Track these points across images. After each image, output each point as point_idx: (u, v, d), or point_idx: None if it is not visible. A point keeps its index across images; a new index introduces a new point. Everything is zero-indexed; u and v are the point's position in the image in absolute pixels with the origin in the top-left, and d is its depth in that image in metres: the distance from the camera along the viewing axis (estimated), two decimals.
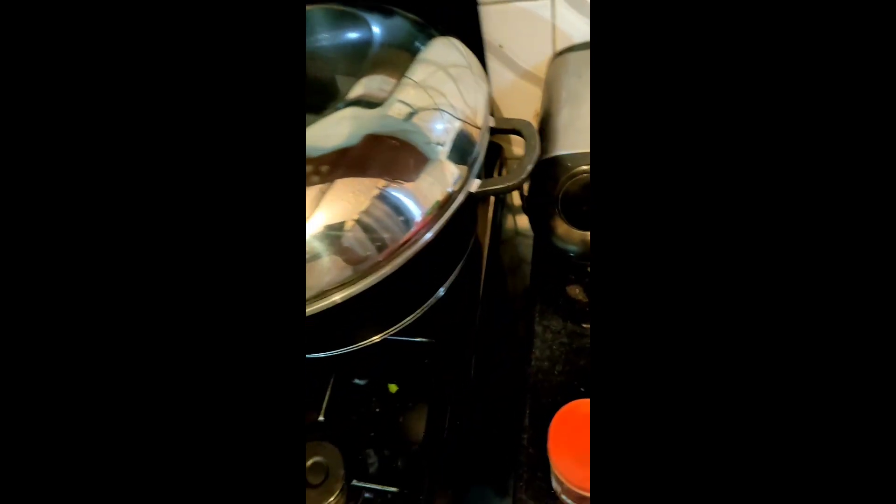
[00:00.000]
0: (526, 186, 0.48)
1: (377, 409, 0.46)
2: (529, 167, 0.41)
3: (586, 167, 0.46)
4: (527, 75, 0.58)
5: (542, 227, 0.51)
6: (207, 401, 0.19)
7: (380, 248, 0.35)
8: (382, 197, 0.35)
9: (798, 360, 0.18)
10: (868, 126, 0.18)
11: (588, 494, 0.33)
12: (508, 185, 0.41)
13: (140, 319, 0.19)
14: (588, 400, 0.37)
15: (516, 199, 0.58)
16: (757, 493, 0.18)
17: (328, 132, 0.36)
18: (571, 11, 0.52)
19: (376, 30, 0.44)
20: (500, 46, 0.56)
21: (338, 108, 0.37)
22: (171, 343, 0.19)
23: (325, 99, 0.38)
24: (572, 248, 0.50)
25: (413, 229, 0.36)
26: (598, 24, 0.21)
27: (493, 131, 0.44)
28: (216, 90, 0.20)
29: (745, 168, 0.19)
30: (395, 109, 0.38)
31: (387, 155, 0.37)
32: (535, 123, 0.46)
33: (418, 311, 0.45)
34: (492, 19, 0.54)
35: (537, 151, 0.42)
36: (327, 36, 0.45)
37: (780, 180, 0.18)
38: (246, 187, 0.20)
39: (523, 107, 0.60)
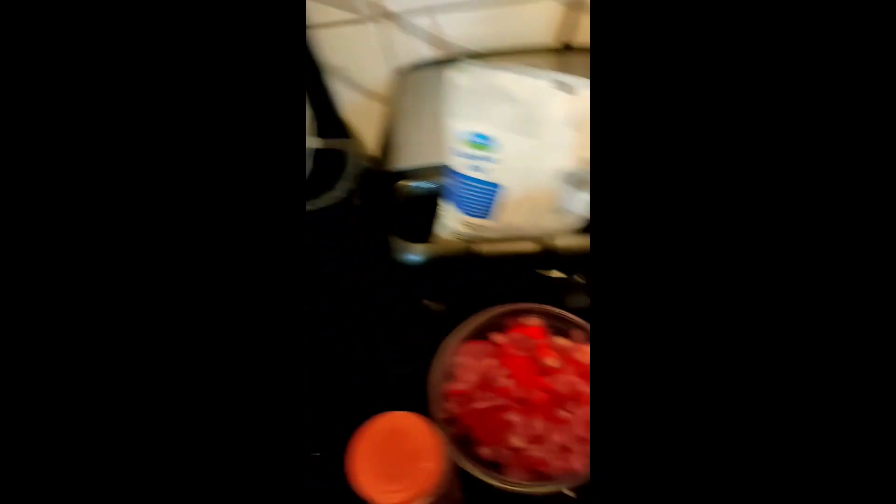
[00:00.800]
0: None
1: None
2: (345, 184, 0.44)
3: (420, 181, 0.49)
4: (372, 94, 0.61)
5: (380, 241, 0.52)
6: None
7: None
8: None
9: (790, 359, 0.18)
10: (867, 126, 0.17)
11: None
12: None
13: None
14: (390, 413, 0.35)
15: None
16: (757, 493, 0.18)
17: None
18: (402, 34, 0.55)
19: None
20: (340, 68, 0.58)
21: None
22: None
23: None
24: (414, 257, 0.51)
25: None
26: (597, 24, 0.21)
27: (319, 151, 0.47)
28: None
29: (744, 169, 0.19)
30: None
31: None
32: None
33: None
34: (329, 43, 0.56)
35: (351, 169, 0.45)
36: None
37: (776, 179, 0.18)
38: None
39: (371, 124, 0.63)
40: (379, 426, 0.34)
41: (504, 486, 0.37)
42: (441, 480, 0.32)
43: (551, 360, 0.41)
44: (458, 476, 0.37)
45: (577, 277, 0.46)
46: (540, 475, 0.38)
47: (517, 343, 0.42)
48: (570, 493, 0.37)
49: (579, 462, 0.38)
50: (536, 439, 0.39)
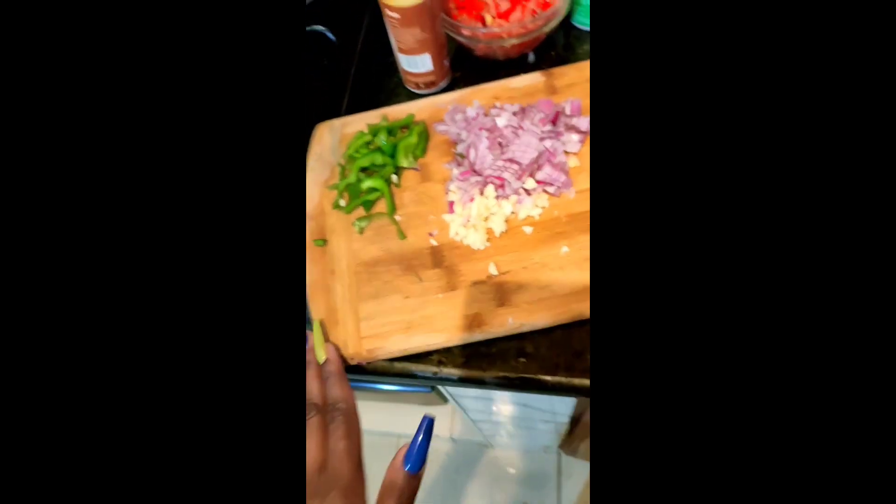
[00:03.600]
0: None
1: None
2: None
3: None
4: None
5: None
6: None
7: None
8: None
9: (788, 358, 0.18)
10: (867, 126, 0.17)
11: None
12: None
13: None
14: None
15: None
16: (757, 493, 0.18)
17: None
18: None
19: None
20: None
21: None
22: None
23: None
24: None
25: None
26: (597, 23, 0.21)
27: None
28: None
29: (744, 169, 0.19)
30: None
31: None
32: None
33: None
34: None
35: None
36: None
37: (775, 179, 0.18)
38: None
39: None
40: None
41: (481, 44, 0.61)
42: None
43: None
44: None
45: None
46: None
47: None
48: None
49: None
50: (504, 15, 0.62)
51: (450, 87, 0.65)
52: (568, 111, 0.56)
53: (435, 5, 0.57)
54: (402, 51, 0.60)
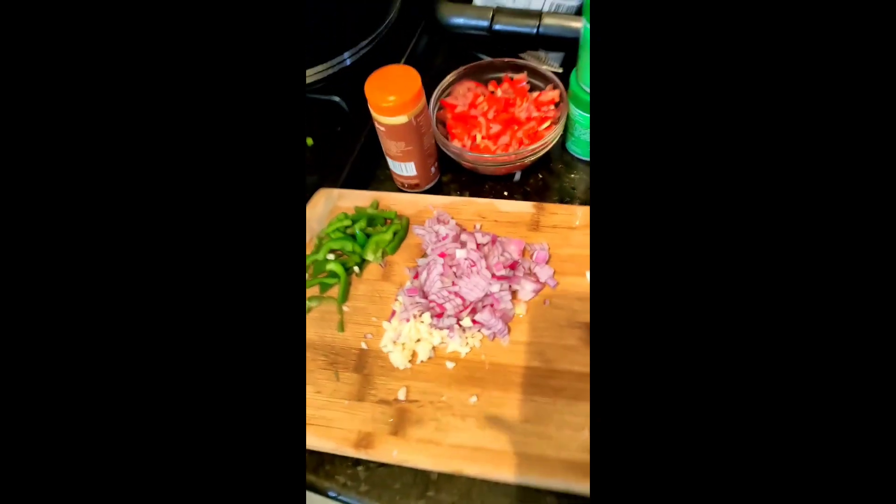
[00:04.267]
0: None
1: None
2: None
3: None
4: None
5: None
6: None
7: None
8: None
9: (787, 358, 0.18)
10: (867, 126, 0.17)
11: None
12: None
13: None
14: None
15: None
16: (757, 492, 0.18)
17: None
18: None
19: None
20: None
21: None
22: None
23: None
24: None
25: None
26: (597, 25, 0.21)
27: None
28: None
29: (745, 169, 0.18)
30: None
31: None
32: None
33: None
34: None
35: None
36: None
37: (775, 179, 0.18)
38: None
39: None
40: (384, 71, 0.59)
41: (466, 162, 0.65)
42: (422, 107, 0.59)
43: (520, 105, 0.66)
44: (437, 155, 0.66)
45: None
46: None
47: (503, 90, 0.69)
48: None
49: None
50: (493, 137, 0.65)
51: (436, 189, 0.67)
52: (534, 256, 0.57)
53: (422, 123, 0.59)
54: (388, 156, 0.63)
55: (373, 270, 0.60)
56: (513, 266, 0.55)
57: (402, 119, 0.58)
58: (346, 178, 0.68)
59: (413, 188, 0.67)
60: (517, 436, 0.47)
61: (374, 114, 0.59)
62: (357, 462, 0.50)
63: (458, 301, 0.53)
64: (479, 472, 0.47)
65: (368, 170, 0.72)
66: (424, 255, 0.59)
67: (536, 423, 0.48)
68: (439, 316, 0.53)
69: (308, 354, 0.55)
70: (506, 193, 0.67)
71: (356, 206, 0.65)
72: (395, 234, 0.61)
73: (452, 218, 0.62)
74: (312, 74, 0.72)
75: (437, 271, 0.55)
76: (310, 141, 0.73)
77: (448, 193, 0.66)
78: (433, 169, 0.66)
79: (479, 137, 0.65)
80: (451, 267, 0.55)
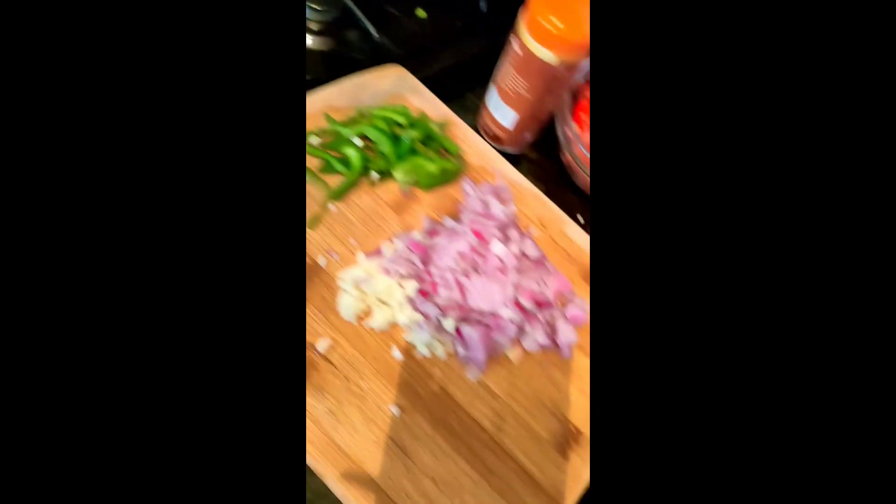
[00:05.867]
0: None
1: None
2: None
3: None
4: None
5: None
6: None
7: None
8: None
9: (786, 359, 0.18)
10: (867, 126, 0.18)
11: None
12: None
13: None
14: None
15: None
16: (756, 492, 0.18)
17: None
18: None
19: None
20: None
21: None
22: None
23: None
24: None
25: None
26: (597, 25, 0.21)
27: None
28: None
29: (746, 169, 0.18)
30: None
31: None
32: None
33: None
34: None
35: None
36: None
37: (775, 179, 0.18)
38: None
39: None
40: None
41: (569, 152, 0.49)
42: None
43: None
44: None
45: None
46: None
47: None
48: None
49: None
50: None
51: (514, 159, 0.53)
52: (568, 310, 0.44)
53: (566, 78, 0.44)
54: (497, 86, 0.48)
55: (389, 190, 0.46)
56: (541, 304, 0.42)
57: (551, 57, 0.43)
58: (433, 77, 0.53)
59: (493, 140, 0.52)
60: (410, 484, 0.35)
61: (522, 29, 0.44)
62: None
63: (458, 296, 0.40)
64: (341, 493, 0.35)
65: (463, 84, 0.57)
66: (456, 219, 0.45)
67: (440, 487, 0.36)
68: (425, 295, 0.40)
69: None
70: (581, 220, 0.53)
71: (422, 111, 0.50)
72: (443, 171, 0.47)
73: (513, 203, 0.48)
74: None
75: (458, 246, 0.41)
76: (422, 13, 0.58)
77: (525, 174, 0.52)
78: (528, 135, 0.51)
79: None
80: (476, 253, 0.42)
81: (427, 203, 0.46)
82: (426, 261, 0.42)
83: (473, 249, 0.41)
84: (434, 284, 0.40)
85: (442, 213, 0.46)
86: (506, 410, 0.40)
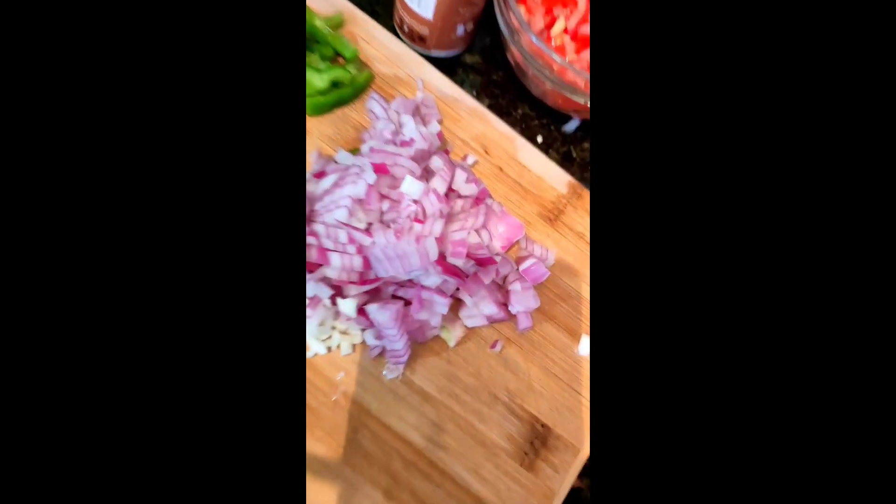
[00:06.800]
0: None
1: None
2: None
3: None
4: None
5: None
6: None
7: None
8: None
9: (785, 357, 0.17)
10: (867, 126, 0.17)
11: None
12: None
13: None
14: None
15: None
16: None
17: None
18: None
19: None
20: None
21: None
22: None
23: None
24: None
25: None
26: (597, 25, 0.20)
27: None
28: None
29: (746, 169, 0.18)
30: None
31: None
32: None
33: None
34: None
35: None
36: None
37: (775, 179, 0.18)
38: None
39: None
40: None
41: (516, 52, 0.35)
42: None
43: None
44: None
45: None
46: None
47: None
48: None
49: None
50: (582, 40, 0.36)
51: (447, 66, 0.39)
52: (522, 266, 0.31)
53: None
54: None
55: None
56: (483, 261, 0.30)
57: None
58: None
59: (416, 42, 0.38)
60: None
61: None
62: None
63: (358, 261, 0.28)
64: None
65: None
66: (356, 151, 0.32)
67: None
68: (310, 269, 0.28)
69: None
70: (540, 140, 0.40)
71: (322, 18, 0.35)
72: (334, 84, 0.33)
73: (441, 122, 0.34)
74: None
75: (353, 190, 0.28)
76: None
77: (461, 84, 0.38)
78: (461, 30, 0.37)
79: (559, 25, 0.36)
80: (383, 198, 0.29)
81: (317, 133, 0.33)
82: (309, 217, 0.29)
83: (375, 192, 0.28)
84: (321, 250, 0.27)
85: (338, 145, 0.33)
86: (443, 415, 0.28)
